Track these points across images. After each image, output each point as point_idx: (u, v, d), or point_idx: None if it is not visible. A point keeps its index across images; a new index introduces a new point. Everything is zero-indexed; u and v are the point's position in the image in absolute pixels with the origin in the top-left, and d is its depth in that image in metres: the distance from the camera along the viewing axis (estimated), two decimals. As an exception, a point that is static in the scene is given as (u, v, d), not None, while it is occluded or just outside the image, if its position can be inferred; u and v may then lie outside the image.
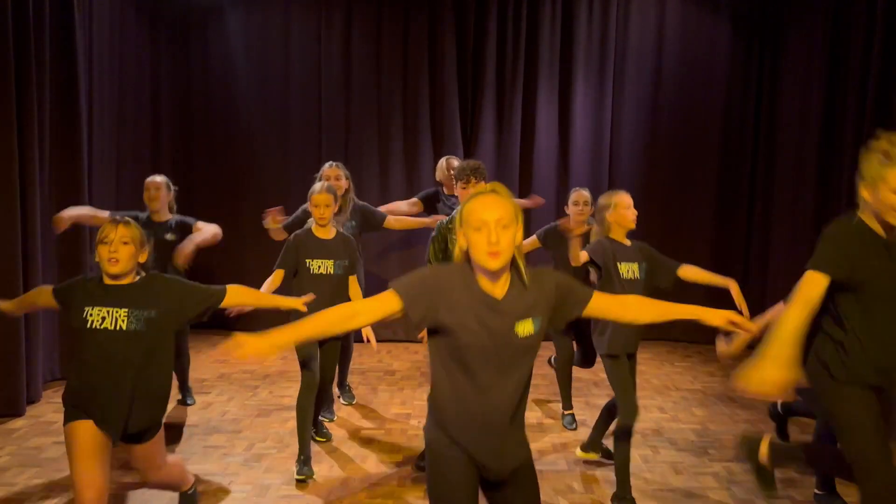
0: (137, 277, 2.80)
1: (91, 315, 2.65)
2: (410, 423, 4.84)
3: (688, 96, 7.23)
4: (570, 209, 4.76)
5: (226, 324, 7.38)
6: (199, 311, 2.86)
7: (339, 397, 5.27)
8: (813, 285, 2.48)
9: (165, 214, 4.88)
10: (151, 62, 7.09)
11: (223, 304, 2.94)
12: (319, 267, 4.06)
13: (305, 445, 3.92)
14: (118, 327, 2.66)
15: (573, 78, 7.21)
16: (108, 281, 2.73)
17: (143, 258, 2.81)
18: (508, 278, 2.12)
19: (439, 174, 5.91)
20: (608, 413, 4.03)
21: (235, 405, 5.16)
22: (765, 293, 6.64)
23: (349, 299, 4.08)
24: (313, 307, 3.29)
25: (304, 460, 3.90)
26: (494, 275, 2.08)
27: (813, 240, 4.14)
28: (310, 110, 7.41)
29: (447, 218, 4.07)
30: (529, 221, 7.13)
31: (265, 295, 3.45)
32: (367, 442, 4.47)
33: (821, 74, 5.99)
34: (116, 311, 2.66)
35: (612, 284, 3.63)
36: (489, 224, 2.02)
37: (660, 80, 7.25)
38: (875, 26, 5.15)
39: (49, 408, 5.01)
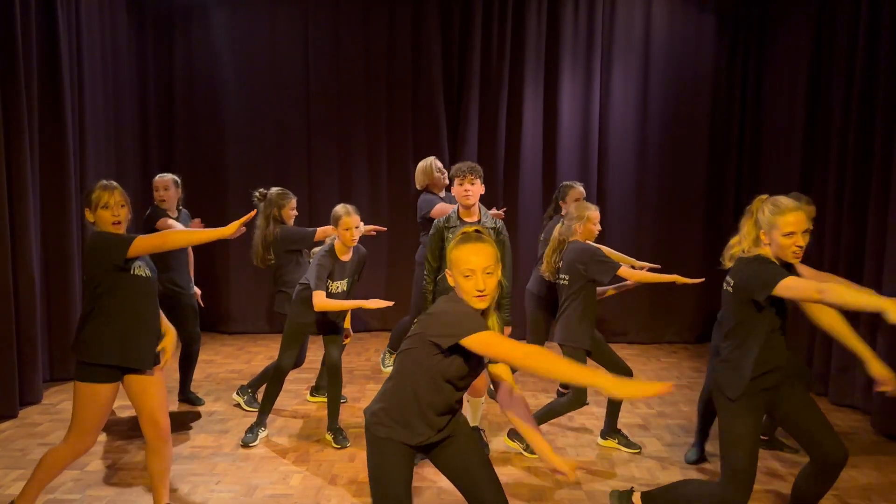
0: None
1: (132, 263, 3.06)
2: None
3: (675, 92, 7.25)
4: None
5: (216, 326, 7.45)
6: None
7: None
8: (798, 282, 2.73)
9: (175, 211, 4.95)
10: (138, 60, 7.06)
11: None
12: (338, 287, 4.33)
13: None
14: (146, 274, 3.12)
15: (560, 75, 7.21)
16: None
17: (129, 215, 3.20)
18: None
19: (426, 178, 5.71)
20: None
21: (222, 405, 5.14)
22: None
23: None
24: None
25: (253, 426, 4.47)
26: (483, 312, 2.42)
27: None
28: (297, 108, 7.39)
29: (444, 217, 4.22)
30: (518, 214, 7.16)
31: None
32: (356, 440, 4.47)
33: (805, 70, 6.01)
34: (139, 261, 3.10)
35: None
36: (477, 272, 2.32)
37: (647, 76, 7.26)
38: (859, 22, 5.18)
39: (36, 409, 4.99)
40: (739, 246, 3.00)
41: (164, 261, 4.62)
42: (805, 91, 6.00)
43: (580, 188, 5.16)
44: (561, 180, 6.68)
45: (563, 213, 5.06)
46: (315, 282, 4.20)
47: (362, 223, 4.33)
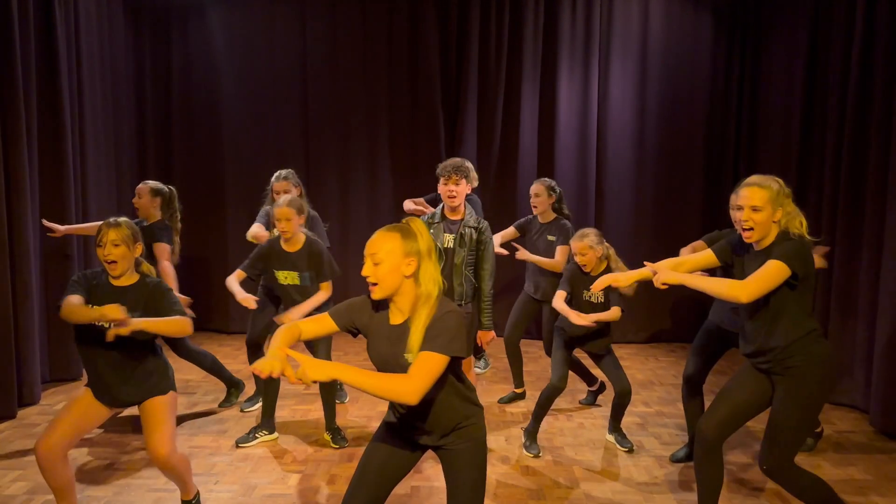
0: (137, 277, 3.09)
1: None
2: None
3: (672, 91, 7.24)
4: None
5: (215, 326, 7.45)
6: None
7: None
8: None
9: (154, 217, 4.83)
10: (135, 60, 7.07)
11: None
12: (286, 278, 4.31)
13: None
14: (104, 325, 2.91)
15: (557, 74, 7.21)
16: (112, 281, 3.04)
17: (137, 252, 3.08)
18: (408, 310, 2.35)
19: None
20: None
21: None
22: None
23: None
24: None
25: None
26: (385, 301, 2.39)
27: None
28: (295, 107, 7.38)
29: (428, 214, 4.26)
30: (516, 213, 7.15)
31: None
32: (353, 440, 4.47)
33: (802, 68, 6.02)
34: None
35: (580, 305, 4.27)
36: (366, 258, 2.32)
37: (644, 75, 7.25)
38: (855, 20, 5.19)
39: (34, 410, 4.99)
40: None
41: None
42: (801, 88, 6.01)
43: (537, 185, 5.21)
44: (559, 180, 6.68)
45: None
46: (245, 262, 4.38)
47: (296, 217, 4.22)
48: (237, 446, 4.34)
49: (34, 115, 5.18)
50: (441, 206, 4.28)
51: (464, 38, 7.22)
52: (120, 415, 4.88)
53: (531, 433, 4.34)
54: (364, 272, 2.30)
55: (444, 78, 7.29)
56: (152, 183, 4.87)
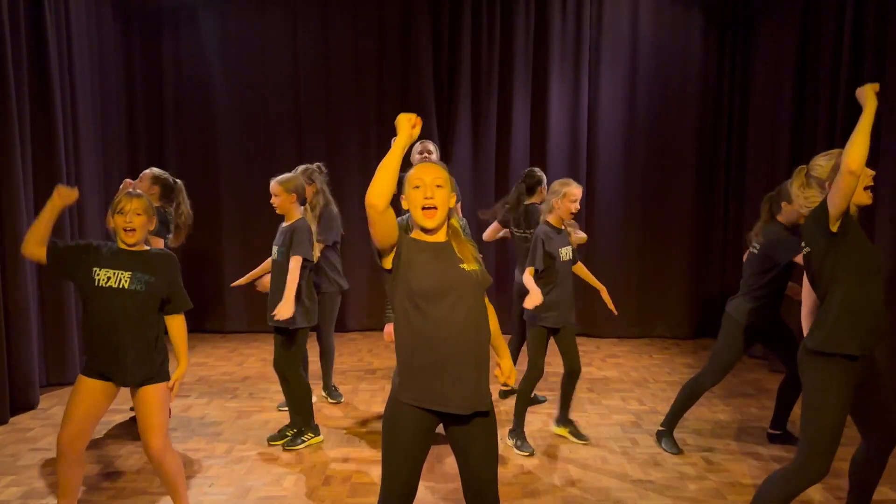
0: (147, 247, 3.19)
1: (98, 275, 3.03)
2: (391, 422, 4.84)
3: (663, 89, 7.27)
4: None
5: (210, 325, 7.44)
6: (169, 300, 3.22)
7: (326, 398, 5.28)
8: None
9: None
10: (125, 64, 7.06)
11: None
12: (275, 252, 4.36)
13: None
14: (121, 286, 3.04)
15: (548, 74, 7.23)
16: (122, 246, 3.12)
17: (151, 226, 3.20)
18: (444, 237, 2.44)
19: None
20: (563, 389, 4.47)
21: (215, 408, 5.14)
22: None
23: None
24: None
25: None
26: (432, 231, 2.41)
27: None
28: (287, 109, 7.38)
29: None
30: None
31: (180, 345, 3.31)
32: (349, 441, 4.47)
33: (791, 67, 6.05)
34: (121, 273, 3.05)
35: (553, 266, 4.13)
36: (427, 185, 2.36)
37: (635, 74, 7.28)
38: (844, 18, 5.22)
39: (28, 415, 4.97)
40: None
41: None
42: (792, 85, 6.04)
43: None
44: (551, 180, 6.66)
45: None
46: None
47: (284, 195, 4.26)
48: (284, 449, 4.30)
49: (27, 116, 5.16)
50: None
51: (456, 41, 7.24)
52: (113, 407, 4.87)
53: (519, 433, 4.33)
54: (428, 193, 2.34)
55: (436, 80, 7.30)
56: (157, 171, 4.72)
